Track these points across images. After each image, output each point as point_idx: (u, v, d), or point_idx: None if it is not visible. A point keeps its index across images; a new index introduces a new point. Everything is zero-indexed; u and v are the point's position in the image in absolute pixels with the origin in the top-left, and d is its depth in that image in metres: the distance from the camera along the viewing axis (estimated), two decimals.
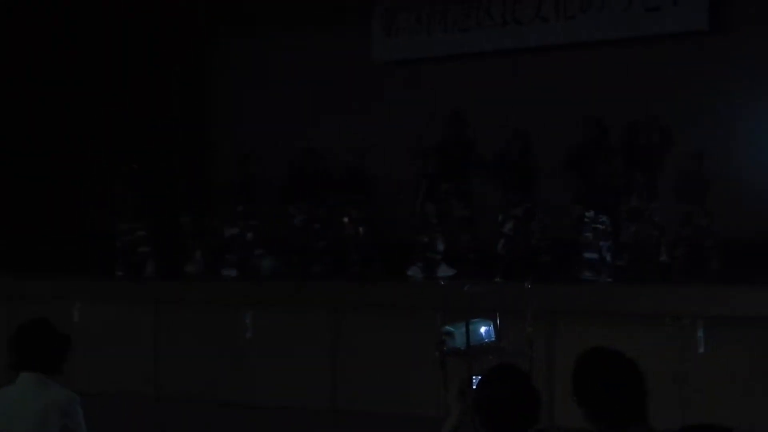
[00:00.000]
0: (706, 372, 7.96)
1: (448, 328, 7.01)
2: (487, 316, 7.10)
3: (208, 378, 10.04)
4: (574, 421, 3.72)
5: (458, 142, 10.30)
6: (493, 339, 7.00)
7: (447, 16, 12.40)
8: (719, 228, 9.75)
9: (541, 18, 11.88)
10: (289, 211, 11.16)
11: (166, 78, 13.57)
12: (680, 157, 9.91)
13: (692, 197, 9.74)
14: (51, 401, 4.59)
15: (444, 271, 9.84)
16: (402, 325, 9.14)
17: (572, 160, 9.73)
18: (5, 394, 4.66)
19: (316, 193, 11.18)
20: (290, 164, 11.50)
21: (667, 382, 7.82)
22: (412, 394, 8.89)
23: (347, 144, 11.47)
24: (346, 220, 10.63)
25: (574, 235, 9.47)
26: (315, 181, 11.24)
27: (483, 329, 7.02)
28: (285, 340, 9.75)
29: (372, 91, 12.79)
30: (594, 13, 11.52)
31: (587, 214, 8.96)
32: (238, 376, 9.92)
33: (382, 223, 11.00)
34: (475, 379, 4.02)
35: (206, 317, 10.20)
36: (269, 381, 9.74)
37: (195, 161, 13.14)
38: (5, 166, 12.24)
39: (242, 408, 9.73)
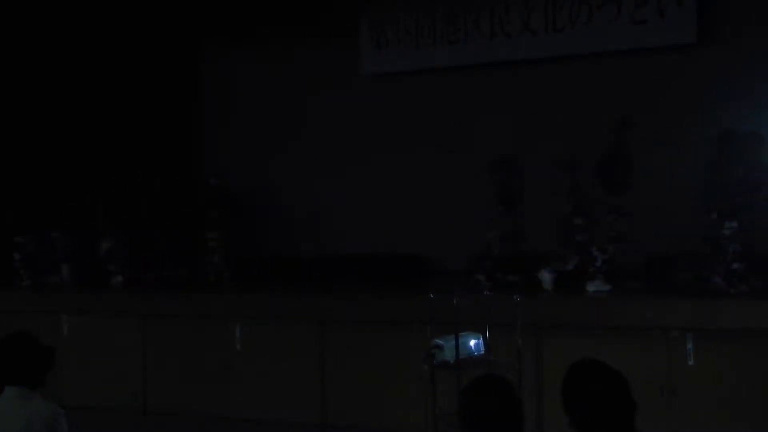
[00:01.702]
0: (695, 384, 7.96)
1: (437, 341, 7.03)
2: (476, 329, 7.12)
3: (197, 391, 10.01)
4: None
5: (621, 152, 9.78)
6: (482, 352, 7.02)
7: (435, 28, 12.42)
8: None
9: (530, 30, 11.89)
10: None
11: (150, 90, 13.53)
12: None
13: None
14: (35, 415, 4.58)
15: (598, 286, 8.94)
16: (391, 338, 9.12)
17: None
18: None
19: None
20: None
21: (655, 395, 7.82)
22: (401, 408, 8.87)
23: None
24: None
25: None
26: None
27: (472, 342, 7.04)
28: (274, 353, 9.72)
29: (362, 104, 12.84)
30: (582, 25, 11.54)
31: (729, 224, 8.69)
32: (226, 389, 9.89)
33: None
34: None
35: (195, 330, 10.16)
36: (258, 395, 9.72)
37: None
38: None
39: (231, 422, 9.71)
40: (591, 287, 8.87)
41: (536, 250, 9.83)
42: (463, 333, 6.97)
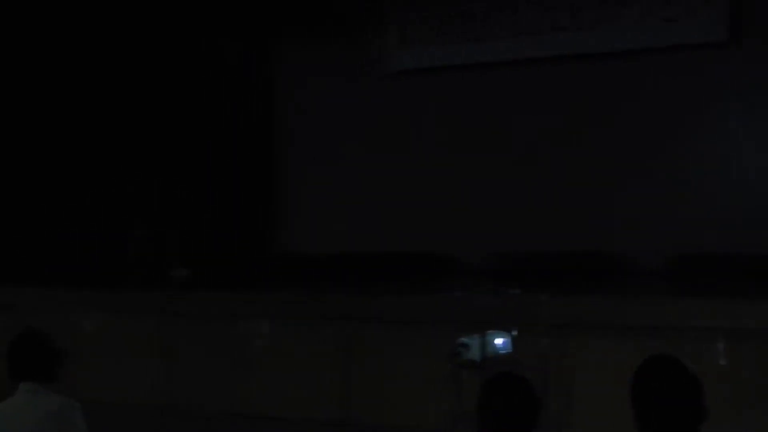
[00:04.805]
0: (724, 385, 7.87)
1: (463, 339, 6.97)
2: (503, 328, 7.06)
3: (220, 389, 9.97)
4: None
5: None
6: (509, 351, 6.95)
7: (461, 25, 12.36)
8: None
9: (557, 28, 11.81)
10: None
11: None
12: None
13: None
14: (48, 410, 4.62)
15: None
16: (416, 337, 9.06)
17: None
18: (5, 406, 4.69)
19: None
20: None
21: None
22: (426, 407, 8.80)
23: None
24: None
25: None
26: None
27: (499, 341, 6.98)
28: (297, 352, 9.69)
29: (383, 100, 12.83)
30: (611, 23, 11.45)
31: None
32: (250, 387, 9.86)
33: None
34: None
35: (219, 328, 10.14)
36: (282, 393, 9.68)
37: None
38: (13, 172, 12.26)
39: (254, 419, 9.68)
40: None
41: None
42: (489, 332, 6.91)
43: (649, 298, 8.69)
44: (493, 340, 6.87)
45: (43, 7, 12.10)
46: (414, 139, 12.55)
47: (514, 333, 6.91)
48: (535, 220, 11.59)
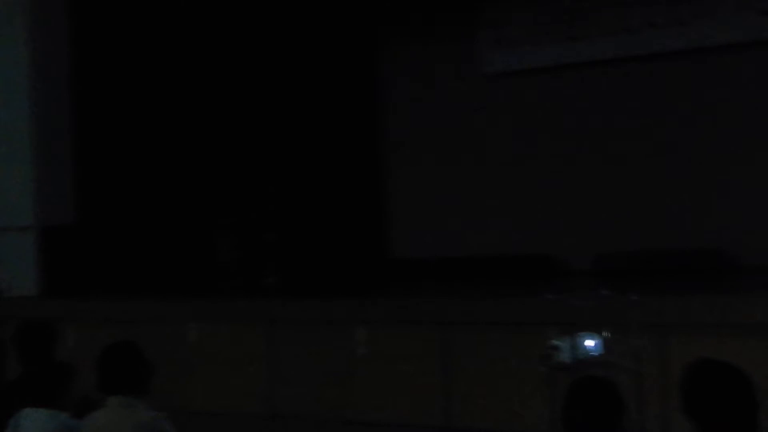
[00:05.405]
0: None
1: (554, 342, 6.93)
2: (594, 330, 7.00)
3: (322, 396, 10.05)
4: None
5: None
6: (600, 352, 6.89)
7: (555, 25, 12.29)
8: None
9: (653, 25, 11.67)
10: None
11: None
12: None
13: None
14: (137, 423, 4.64)
15: None
16: (513, 340, 9.02)
17: None
18: (95, 418, 4.74)
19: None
20: None
21: None
22: (524, 410, 8.76)
23: None
24: None
25: None
26: None
27: (591, 343, 6.91)
28: (396, 356, 9.71)
29: (483, 103, 12.81)
30: (707, 18, 11.28)
31: None
32: (350, 393, 9.92)
33: None
34: None
35: (319, 335, 10.22)
36: (382, 398, 9.72)
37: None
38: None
39: (355, 425, 9.73)
40: None
41: None
42: (581, 333, 6.85)
43: (749, 296, 8.48)
44: (584, 341, 6.81)
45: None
46: (513, 142, 12.52)
47: (606, 334, 6.83)
48: (635, 219, 11.48)
